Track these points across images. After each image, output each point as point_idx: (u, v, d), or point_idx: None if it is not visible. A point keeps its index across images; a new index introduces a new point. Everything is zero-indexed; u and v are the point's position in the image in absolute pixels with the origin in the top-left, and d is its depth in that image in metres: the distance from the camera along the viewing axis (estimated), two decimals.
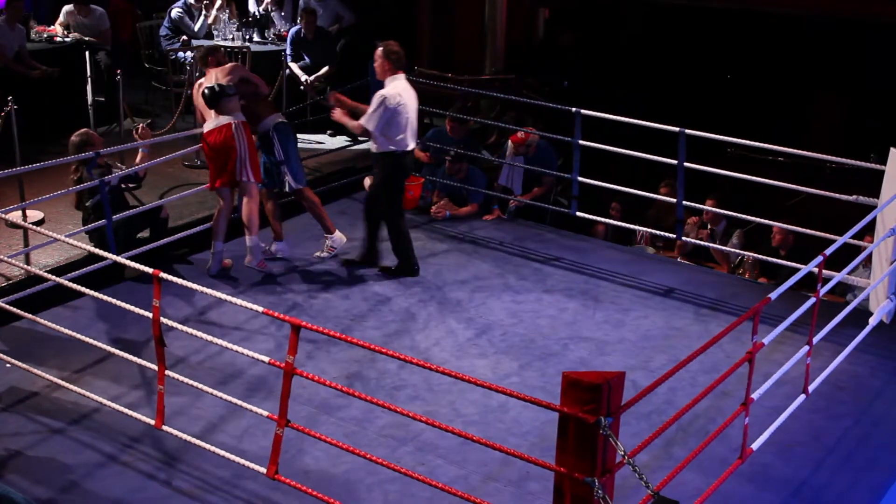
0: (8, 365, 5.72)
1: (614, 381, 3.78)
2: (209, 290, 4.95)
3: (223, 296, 4.91)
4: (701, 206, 7.91)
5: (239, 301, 4.86)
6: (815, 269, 5.42)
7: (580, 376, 3.78)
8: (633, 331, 6.77)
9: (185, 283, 5.02)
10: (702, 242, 8.13)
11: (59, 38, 10.13)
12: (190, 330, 5.08)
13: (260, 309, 4.74)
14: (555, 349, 6.48)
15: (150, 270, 4.92)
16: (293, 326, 4.53)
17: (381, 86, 7.27)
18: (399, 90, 7.00)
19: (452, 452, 5.28)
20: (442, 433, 4.84)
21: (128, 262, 5.32)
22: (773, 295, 4.97)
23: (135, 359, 5.33)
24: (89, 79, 9.96)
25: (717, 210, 7.98)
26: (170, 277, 4.96)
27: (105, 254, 5.47)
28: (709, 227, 8.71)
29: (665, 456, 5.32)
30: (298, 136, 10.00)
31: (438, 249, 8.01)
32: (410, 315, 6.87)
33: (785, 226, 7.54)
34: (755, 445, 5.06)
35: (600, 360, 6.34)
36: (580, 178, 7.98)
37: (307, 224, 8.38)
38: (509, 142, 8.86)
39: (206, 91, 7.15)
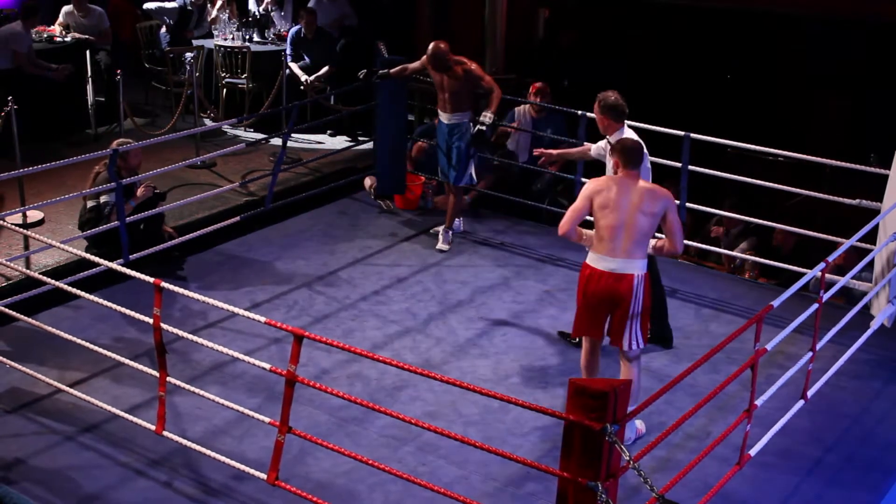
0: (7, 365, 5.72)
1: (620, 389, 3.77)
2: (212, 301, 4.93)
3: (225, 306, 4.89)
4: (702, 207, 7.89)
5: (242, 312, 4.84)
6: (819, 275, 5.43)
7: (587, 383, 3.77)
8: None
9: (187, 292, 5.01)
10: (704, 247, 8.12)
11: (59, 38, 10.12)
12: (192, 337, 5.08)
13: (262, 319, 4.74)
14: (555, 349, 6.48)
15: (152, 280, 4.91)
16: (296, 336, 4.53)
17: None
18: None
19: (453, 452, 5.28)
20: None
21: (126, 271, 5.28)
22: (776, 303, 4.98)
23: (136, 365, 5.33)
24: (89, 79, 9.98)
25: (718, 211, 7.96)
26: (172, 287, 4.95)
27: (100, 260, 5.45)
28: (724, 226, 8.70)
29: (666, 457, 5.32)
30: (299, 136, 10.08)
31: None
32: (411, 315, 6.88)
33: (787, 227, 7.54)
34: (755, 450, 5.07)
35: (601, 361, 6.33)
36: (582, 180, 7.99)
37: (307, 225, 8.40)
38: (516, 109, 8.89)
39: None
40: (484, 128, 7.52)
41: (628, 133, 5.91)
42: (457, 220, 8.20)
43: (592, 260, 5.14)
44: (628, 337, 5.21)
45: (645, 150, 5.83)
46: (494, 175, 8.99)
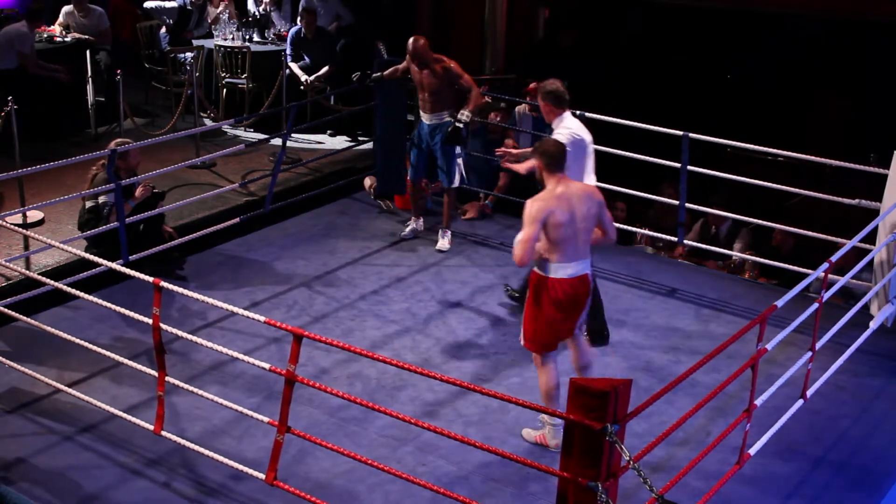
0: (7, 365, 5.71)
1: (621, 389, 3.77)
2: (212, 301, 4.93)
3: (224, 305, 4.88)
4: (702, 207, 7.90)
5: (242, 311, 4.84)
6: (822, 275, 5.43)
7: (587, 383, 3.77)
8: (634, 331, 6.77)
9: (186, 292, 5.00)
10: (702, 245, 8.11)
11: (59, 38, 10.12)
12: (191, 337, 5.08)
13: (261, 319, 4.73)
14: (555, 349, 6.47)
15: (151, 280, 4.91)
16: (295, 336, 4.52)
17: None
18: (577, 127, 6.15)
19: (453, 452, 5.28)
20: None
21: (126, 271, 5.28)
22: (780, 303, 4.98)
23: (135, 365, 5.33)
24: (89, 79, 9.98)
25: (719, 212, 7.95)
26: (171, 287, 4.94)
27: (99, 260, 5.45)
28: (713, 229, 8.68)
29: (666, 457, 5.32)
30: (299, 136, 10.08)
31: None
32: (411, 315, 6.87)
33: (787, 228, 7.54)
34: (754, 450, 5.06)
35: (601, 361, 6.33)
36: None
37: (307, 225, 8.40)
38: (517, 110, 8.88)
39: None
40: (461, 125, 7.46)
41: (569, 121, 6.02)
42: (420, 220, 8.18)
43: (553, 271, 5.16)
44: (579, 324, 5.43)
45: (587, 142, 5.98)
46: (509, 176, 8.96)
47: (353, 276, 7.44)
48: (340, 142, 10.30)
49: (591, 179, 6.09)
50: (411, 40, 7.54)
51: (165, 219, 7.57)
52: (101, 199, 7.05)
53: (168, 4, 10.96)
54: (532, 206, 5.03)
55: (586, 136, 6.07)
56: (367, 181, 8.83)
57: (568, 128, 5.99)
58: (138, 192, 7.16)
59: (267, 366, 4.76)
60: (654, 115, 8.11)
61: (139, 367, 5.31)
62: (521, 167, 6.32)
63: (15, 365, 5.65)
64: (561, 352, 5.46)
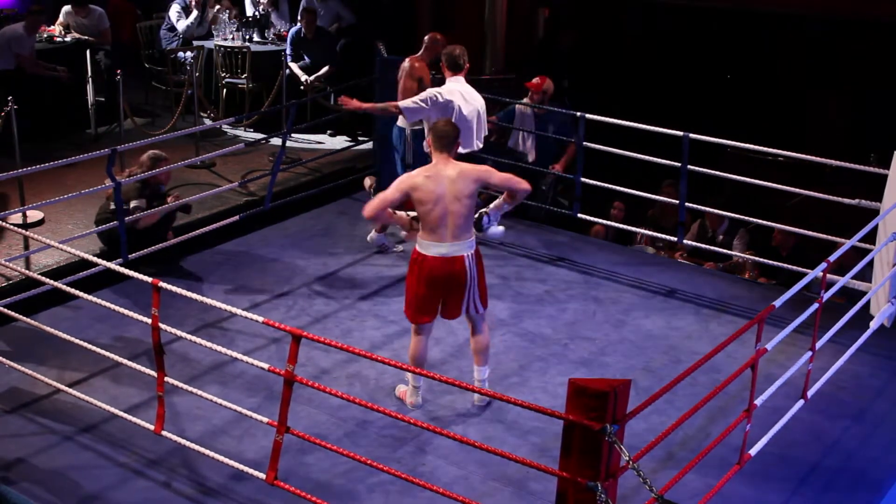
0: (7, 365, 5.71)
1: (620, 389, 3.76)
2: (210, 301, 4.92)
3: (224, 306, 4.88)
4: (702, 207, 7.90)
5: (240, 311, 4.84)
6: (820, 275, 5.43)
7: (586, 383, 3.76)
8: (634, 331, 6.77)
9: (185, 292, 4.99)
10: (702, 245, 8.11)
11: (58, 39, 10.13)
12: (191, 337, 5.07)
13: (260, 319, 4.73)
14: (555, 349, 6.48)
15: (150, 280, 4.91)
16: (294, 336, 4.52)
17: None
18: (446, 91, 6.52)
19: (453, 452, 5.28)
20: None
21: (124, 271, 5.28)
22: (778, 303, 4.98)
23: (135, 365, 5.32)
24: (89, 79, 9.98)
25: (719, 212, 7.95)
26: (170, 287, 4.94)
27: (98, 260, 5.45)
28: (709, 232, 8.68)
29: (666, 457, 5.32)
30: (298, 136, 10.09)
31: None
32: None
33: (786, 227, 7.54)
34: (755, 450, 5.06)
35: (601, 361, 6.34)
36: (582, 179, 7.99)
37: (307, 225, 8.40)
38: (516, 108, 8.88)
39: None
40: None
41: (450, 85, 6.47)
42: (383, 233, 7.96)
43: (423, 248, 5.37)
44: (466, 306, 5.51)
45: (454, 107, 6.31)
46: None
47: (353, 276, 7.44)
48: (340, 142, 10.30)
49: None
50: (433, 37, 7.41)
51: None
52: (133, 203, 7.05)
53: (173, 12, 10.87)
54: (402, 177, 5.38)
55: (460, 102, 6.42)
56: (367, 181, 8.81)
57: (439, 90, 6.44)
58: (170, 200, 7.24)
59: (266, 366, 4.76)
60: (654, 115, 8.11)
61: (139, 367, 5.31)
62: (359, 104, 6.84)
63: (15, 365, 5.65)
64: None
